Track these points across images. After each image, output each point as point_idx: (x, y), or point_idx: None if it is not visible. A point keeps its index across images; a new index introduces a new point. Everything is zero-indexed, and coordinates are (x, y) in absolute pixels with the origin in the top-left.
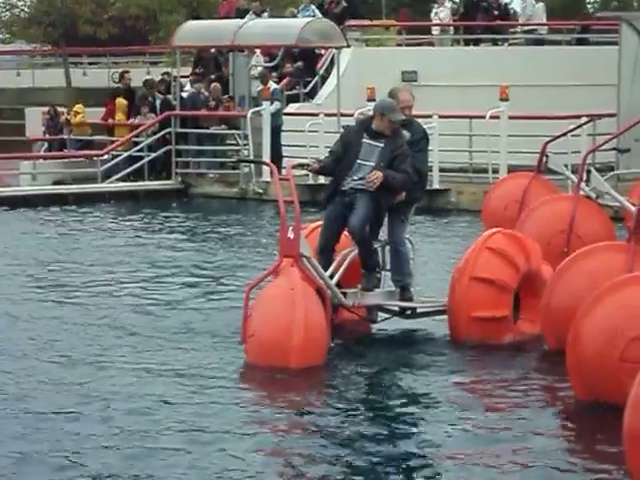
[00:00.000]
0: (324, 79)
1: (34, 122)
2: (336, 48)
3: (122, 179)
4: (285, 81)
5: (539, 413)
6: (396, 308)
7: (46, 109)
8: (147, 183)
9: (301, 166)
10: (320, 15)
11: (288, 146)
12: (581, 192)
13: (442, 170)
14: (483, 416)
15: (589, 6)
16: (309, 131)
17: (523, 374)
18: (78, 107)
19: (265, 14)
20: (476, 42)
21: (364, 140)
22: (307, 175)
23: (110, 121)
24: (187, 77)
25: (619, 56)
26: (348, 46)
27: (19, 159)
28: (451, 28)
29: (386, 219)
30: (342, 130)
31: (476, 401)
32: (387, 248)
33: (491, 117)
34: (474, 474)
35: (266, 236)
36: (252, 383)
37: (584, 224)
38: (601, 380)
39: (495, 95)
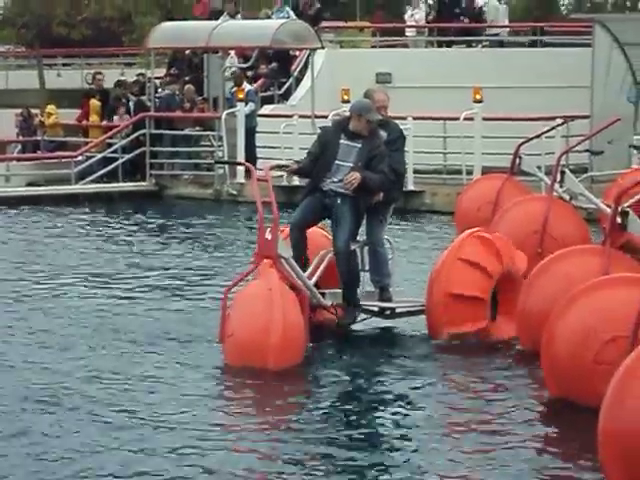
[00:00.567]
0: (298, 81)
1: (7, 124)
2: (310, 50)
3: (96, 181)
4: (259, 82)
5: (513, 414)
6: (375, 308)
7: (19, 111)
8: (121, 185)
9: (279, 167)
10: (294, 17)
11: (263, 147)
12: (555, 193)
13: (416, 172)
14: (459, 416)
15: (562, 8)
16: (284, 132)
17: (498, 375)
18: (50, 108)
19: (239, 16)
20: (449, 44)
21: (342, 141)
22: (282, 176)
23: (84, 122)
24: (161, 78)
25: (592, 58)
26: (322, 48)
27: None
28: (425, 30)
29: (364, 220)
30: (318, 131)
31: (453, 400)
32: (366, 249)
33: (465, 119)
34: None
35: (241, 238)
36: (229, 384)
37: (558, 225)
38: (575, 382)
39: (469, 97)
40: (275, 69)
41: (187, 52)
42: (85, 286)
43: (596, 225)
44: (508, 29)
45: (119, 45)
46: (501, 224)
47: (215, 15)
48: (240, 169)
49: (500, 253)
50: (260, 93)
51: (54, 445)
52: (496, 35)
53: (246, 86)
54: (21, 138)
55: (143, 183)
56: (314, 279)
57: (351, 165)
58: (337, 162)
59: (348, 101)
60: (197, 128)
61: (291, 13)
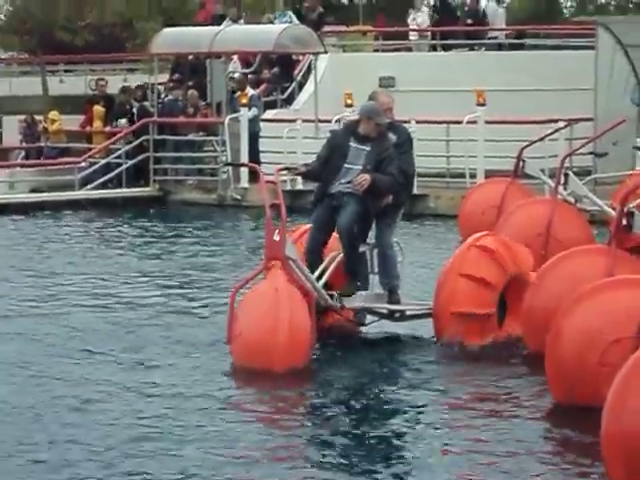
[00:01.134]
0: (301, 85)
1: (11, 130)
2: (313, 54)
3: (100, 187)
4: (263, 87)
5: (517, 415)
6: (385, 311)
7: (23, 117)
8: (125, 190)
9: (288, 170)
10: (297, 21)
11: (266, 152)
12: (559, 196)
13: (420, 175)
14: (463, 415)
15: (565, 11)
16: (287, 137)
17: (503, 377)
18: (53, 114)
19: (241, 20)
20: (451, 47)
21: (351, 144)
22: (286, 181)
23: (88, 128)
24: (164, 84)
25: (595, 60)
26: (325, 52)
27: None
28: (428, 33)
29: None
30: (322, 135)
31: (457, 404)
32: (375, 251)
33: (468, 122)
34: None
35: (245, 242)
36: (236, 385)
37: (562, 228)
38: (580, 383)
39: (472, 100)
40: (278, 74)
41: (190, 57)
42: (89, 292)
43: (600, 227)
44: (509, 32)
45: (122, 51)
46: (505, 227)
47: (217, 20)
48: (244, 174)
49: (502, 261)
50: (263, 98)
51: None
52: (495, 38)
53: (249, 91)
54: (25, 144)
55: (147, 188)
56: (323, 280)
57: (360, 168)
58: (346, 165)
59: (351, 105)
60: (200, 133)
61: (294, 18)
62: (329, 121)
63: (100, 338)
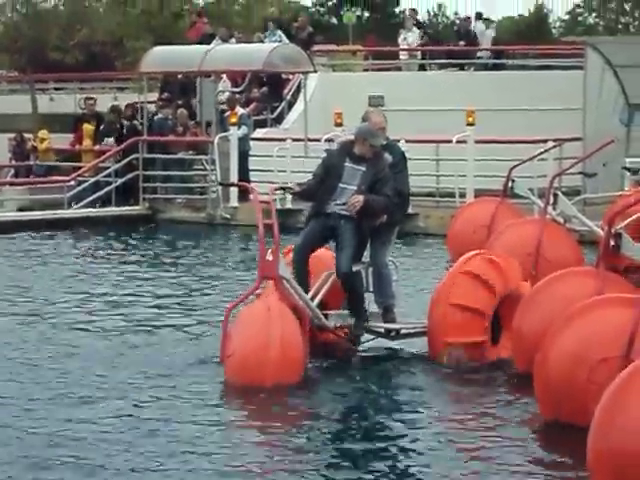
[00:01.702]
0: (291, 104)
1: (0, 148)
2: (303, 73)
3: (89, 205)
4: (252, 106)
5: (505, 434)
6: (381, 330)
7: (12, 135)
8: (114, 209)
9: (283, 189)
10: (287, 40)
11: (256, 171)
12: (548, 216)
13: (410, 194)
14: (451, 433)
15: (554, 31)
16: (277, 156)
17: (493, 395)
18: (42, 133)
19: (232, 39)
20: (442, 66)
21: (346, 164)
22: (275, 200)
23: (77, 147)
24: (154, 103)
25: (584, 80)
26: (315, 71)
27: None
28: (418, 53)
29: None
30: (319, 154)
31: (446, 424)
32: (370, 270)
33: (458, 141)
34: None
35: (234, 261)
36: (229, 402)
37: (551, 248)
38: (568, 402)
39: (462, 120)
40: (266, 93)
41: (179, 76)
42: (76, 311)
43: (590, 247)
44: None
45: (112, 69)
46: (495, 247)
47: (207, 39)
48: (234, 193)
49: (506, 274)
50: (253, 117)
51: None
52: (480, 58)
53: (239, 110)
54: (14, 163)
55: (136, 207)
56: (317, 300)
57: (355, 188)
58: (341, 185)
59: (341, 124)
60: (190, 152)
61: (283, 37)
62: (318, 140)
63: (85, 358)
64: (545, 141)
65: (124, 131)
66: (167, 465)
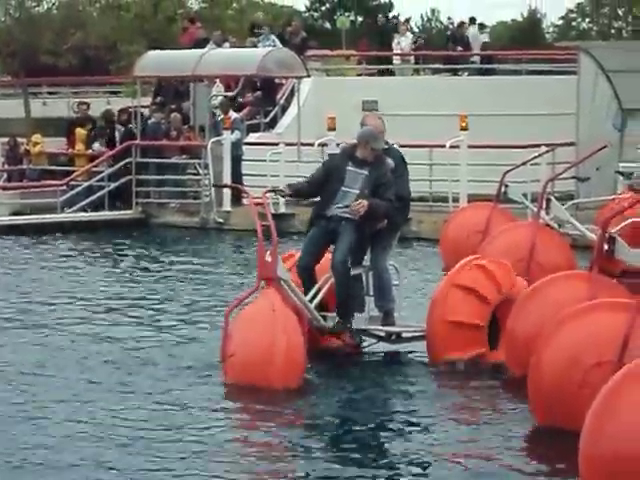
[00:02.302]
0: (284, 109)
1: None
2: (296, 78)
3: (82, 209)
4: (245, 111)
5: (498, 438)
6: (382, 333)
7: (5, 140)
8: (107, 213)
9: (274, 192)
10: (280, 45)
11: (249, 175)
12: (541, 220)
13: (410, 199)
14: (443, 437)
15: (547, 36)
16: (270, 160)
17: (486, 399)
18: (36, 137)
19: (226, 44)
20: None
21: (348, 167)
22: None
23: (70, 151)
24: (148, 107)
25: (577, 85)
26: (308, 76)
27: None
28: (412, 57)
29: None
30: (304, 159)
31: (444, 429)
32: (370, 273)
33: (451, 146)
34: None
35: (228, 265)
36: (231, 404)
37: (544, 252)
38: (561, 406)
39: (455, 124)
40: (260, 97)
41: (173, 81)
42: (69, 315)
43: (583, 252)
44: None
45: (106, 74)
46: (488, 252)
47: (201, 44)
48: (227, 197)
49: (498, 280)
50: (246, 121)
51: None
52: (476, 63)
53: (232, 114)
54: (7, 167)
55: (129, 211)
56: (316, 301)
57: (357, 192)
58: (344, 188)
59: (334, 129)
60: (183, 156)
61: (277, 41)
62: (312, 145)
63: (81, 361)
64: (538, 146)
65: (116, 136)
66: (167, 465)
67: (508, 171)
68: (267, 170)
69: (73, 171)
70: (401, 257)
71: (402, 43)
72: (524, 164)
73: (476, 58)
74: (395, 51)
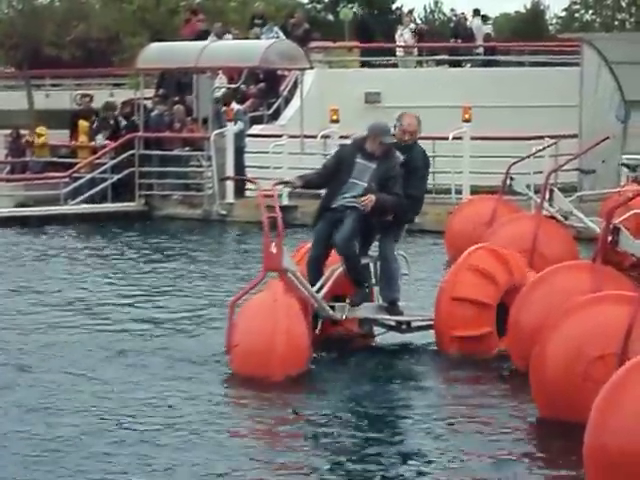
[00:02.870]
0: (287, 101)
1: None
2: (299, 70)
3: (85, 201)
4: (249, 103)
5: (500, 429)
6: (392, 322)
7: (8, 131)
8: (110, 205)
9: (284, 183)
10: (283, 37)
11: (252, 167)
12: (545, 212)
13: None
14: (446, 427)
15: (551, 28)
16: (273, 152)
17: (489, 391)
18: (40, 129)
19: (229, 35)
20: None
21: (357, 160)
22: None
23: (73, 143)
24: (151, 99)
25: (581, 77)
26: (311, 68)
27: None
28: (415, 49)
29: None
30: (307, 150)
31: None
32: (378, 264)
33: (454, 138)
34: None
35: (231, 257)
36: (234, 394)
37: (547, 243)
38: (564, 399)
39: (458, 116)
40: (263, 89)
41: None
42: (71, 307)
43: (587, 243)
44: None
45: (108, 66)
46: (491, 242)
47: (202, 36)
48: (230, 189)
49: (510, 265)
50: (249, 113)
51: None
52: (480, 54)
53: (234, 106)
54: (10, 159)
55: (132, 203)
56: (323, 292)
57: (365, 184)
58: (352, 180)
59: (337, 121)
60: (186, 148)
61: (280, 33)
62: (315, 136)
63: (83, 354)
64: (541, 138)
65: (119, 128)
66: (171, 457)
67: (514, 163)
68: (270, 162)
69: (76, 163)
70: (404, 249)
71: (405, 35)
72: (530, 157)
73: (479, 50)
74: (398, 43)
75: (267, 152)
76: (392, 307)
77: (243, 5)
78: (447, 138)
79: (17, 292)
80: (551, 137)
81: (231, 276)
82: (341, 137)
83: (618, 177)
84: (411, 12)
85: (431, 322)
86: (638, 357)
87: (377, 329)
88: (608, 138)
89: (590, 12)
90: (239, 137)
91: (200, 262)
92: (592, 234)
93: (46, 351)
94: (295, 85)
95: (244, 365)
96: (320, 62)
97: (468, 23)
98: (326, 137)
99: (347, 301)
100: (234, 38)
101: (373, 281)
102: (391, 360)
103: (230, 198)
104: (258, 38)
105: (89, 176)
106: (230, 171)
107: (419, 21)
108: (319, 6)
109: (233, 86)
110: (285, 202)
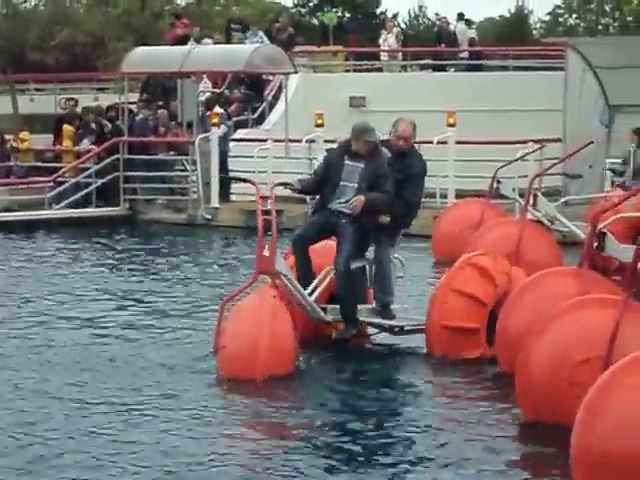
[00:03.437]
0: (272, 105)
1: None
2: (284, 74)
3: (70, 206)
4: (233, 107)
5: (485, 433)
6: (386, 325)
7: None
8: (94, 210)
9: (283, 185)
10: (268, 41)
11: (237, 171)
12: (530, 216)
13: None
14: (431, 431)
15: (535, 32)
16: (257, 157)
17: (475, 394)
18: (23, 134)
19: (208, 40)
20: (423, 67)
21: (345, 161)
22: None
23: (57, 147)
24: (135, 103)
25: (565, 81)
26: (296, 72)
27: None
28: (399, 54)
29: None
30: (291, 155)
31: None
32: (373, 267)
33: (439, 142)
34: None
35: (217, 262)
36: (218, 396)
37: (531, 248)
38: (549, 403)
39: (443, 120)
40: (247, 93)
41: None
42: (55, 312)
43: (570, 248)
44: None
45: (93, 70)
46: (476, 247)
47: (182, 40)
48: (215, 193)
49: (494, 278)
50: (234, 117)
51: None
52: (464, 59)
53: (218, 110)
54: None
55: (116, 208)
56: (315, 295)
57: (355, 185)
58: (342, 183)
59: (322, 125)
60: (171, 153)
61: (264, 38)
62: (299, 141)
63: (67, 359)
64: (526, 142)
65: (103, 132)
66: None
67: (501, 167)
68: (255, 166)
69: (60, 168)
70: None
71: (389, 39)
72: (516, 160)
73: (464, 54)
74: (382, 47)
75: (252, 156)
76: (385, 310)
77: (227, 9)
78: (432, 142)
79: (7, 301)
80: (535, 141)
81: (216, 280)
82: (326, 141)
83: (602, 182)
84: (395, 17)
85: (423, 327)
86: (625, 359)
87: (371, 330)
88: (592, 143)
89: (574, 16)
90: (223, 141)
91: (185, 266)
92: (576, 238)
93: (31, 356)
94: (280, 89)
95: (229, 368)
96: (305, 66)
97: (452, 27)
98: (311, 141)
99: (333, 335)
100: (215, 43)
101: (368, 283)
102: (378, 361)
103: (215, 202)
104: (242, 43)
105: (73, 180)
106: (215, 175)
107: (403, 25)
108: (303, 10)
109: (217, 90)
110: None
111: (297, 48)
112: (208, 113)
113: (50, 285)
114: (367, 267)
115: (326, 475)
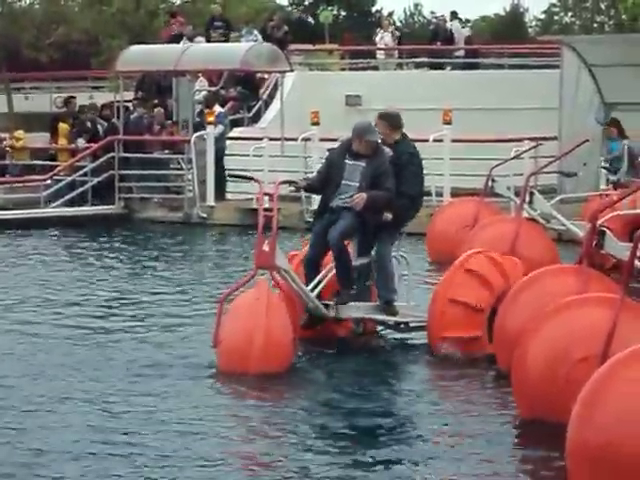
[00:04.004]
0: (268, 103)
1: None
2: (280, 72)
3: (65, 204)
4: (229, 105)
5: (482, 431)
6: (391, 322)
7: None
8: (90, 208)
9: (289, 183)
10: (262, 40)
11: (232, 170)
12: (526, 214)
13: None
14: (427, 429)
15: (530, 30)
16: (253, 155)
17: (472, 392)
18: (18, 133)
19: (200, 38)
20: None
21: (347, 161)
22: (251, 199)
23: (53, 146)
24: (131, 101)
25: (560, 79)
26: (291, 70)
27: None
28: (395, 52)
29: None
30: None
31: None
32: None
33: (434, 140)
34: None
35: (211, 260)
36: (217, 391)
37: (527, 246)
38: (546, 400)
39: (438, 118)
40: (243, 92)
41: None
42: (55, 312)
43: (566, 245)
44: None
45: (88, 68)
46: (472, 245)
47: (175, 39)
48: (210, 192)
49: (506, 270)
50: (230, 116)
51: None
52: (460, 57)
53: (217, 108)
54: None
55: (112, 206)
56: (317, 290)
57: (357, 184)
58: (344, 182)
59: (317, 123)
60: (166, 151)
61: (259, 36)
62: (295, 139)
63: (62, 359)
64: (521, 140)
65: (98, 130)
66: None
67: (496, 165)
68: (250, 165)
69: (56, 166)
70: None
71: (385, 38)
72: (513, 159)
73: (460, 52)
74: (378, 46)
75: (248, 155)
76: (388, 307)
77: (223, 8)
78: (427, 140)
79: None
80: (531, 140)
81: (212, 278)
82: (322, 140)
83: (597, 180)
84: (391, 15)
85: (425, 323)
86: (622, 353)
87: (377, 326)
88: (587, 141)
89: (569, 14)
90: (219, 139)
91: (180, 264)
92: (573, 236)
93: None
94: (275, 88)
95: (225, 362)
96: (300, 65)
97: (448, 25)
98: (307, 140)
99: (333, 301)
100: (206, 40)
101: (369, 282)
102: (378, 361)
103: (211, 201)
104: (238, 41)
105: (69, 179)
106: (211, 174)
107: (399, 24)
108: (299, 8)
109: (213, 89)
110: (266, 204)
111: (292, 46)
112: (206, 111)
113: (44, 283)
114: (373, 265)
115: (326, 474)
